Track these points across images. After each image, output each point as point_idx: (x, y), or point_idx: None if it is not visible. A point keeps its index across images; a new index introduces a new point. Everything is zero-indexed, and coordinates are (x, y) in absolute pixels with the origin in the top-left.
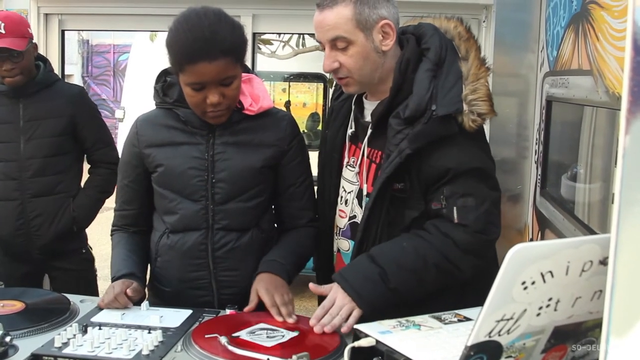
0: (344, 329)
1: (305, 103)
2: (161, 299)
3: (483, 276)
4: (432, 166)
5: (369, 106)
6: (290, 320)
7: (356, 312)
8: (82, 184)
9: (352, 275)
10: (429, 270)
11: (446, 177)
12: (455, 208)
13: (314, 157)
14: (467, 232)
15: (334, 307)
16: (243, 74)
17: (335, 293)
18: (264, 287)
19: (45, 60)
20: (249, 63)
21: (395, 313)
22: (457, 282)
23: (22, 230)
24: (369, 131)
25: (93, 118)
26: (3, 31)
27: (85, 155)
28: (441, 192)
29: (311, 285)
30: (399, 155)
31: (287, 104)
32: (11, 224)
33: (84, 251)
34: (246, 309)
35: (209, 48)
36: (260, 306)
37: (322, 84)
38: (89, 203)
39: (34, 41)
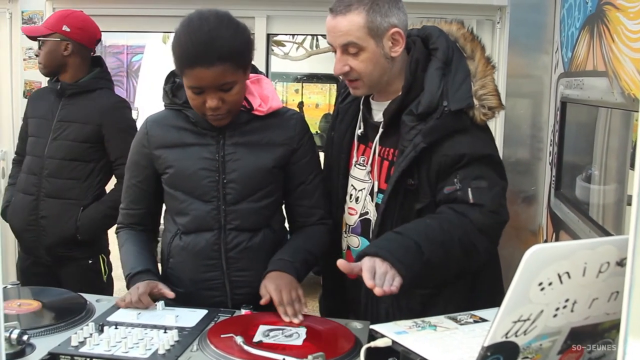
0: (391, 289)
1: (318, 104)
2: (174, 300)
3: (489, 267)
4: (446, 155)
5: (377, 107)
6: (296, 320)
7: (398, 279)
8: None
9: (388, 245)
10: (454, 245)
11: (461, 162)
12: (469, 189)
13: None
14: (483, 212)
15: (377, 274)
16: (252, 75)
17: (372, 262)
18: (272, 285)
19: (102, 66)
20: (262, 64)
21: (410, 305)
22: (472, 266)
23: (32, 226)
24: (380, 130)
25: (121, 133)
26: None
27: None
28: (454, 176)
29: (340, 261)
30: (414, 149)
31: (300, 105)
32: (24, 217)
33: (90, 261)
34: (261, 302)
35: (206, 53)
36: (274, 307)
37: (334, 85)
38: (96, 216)
39: (66, 41)
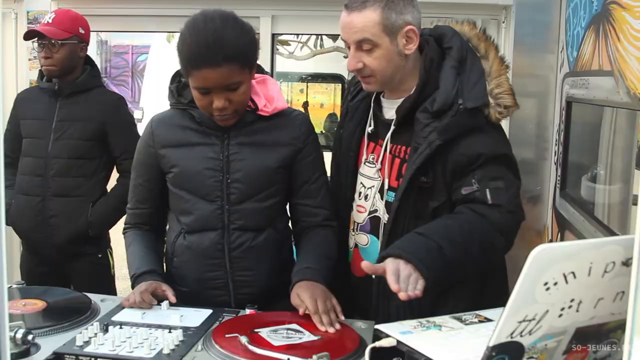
0: (416, 292)
1: (323, 104)
2: (178, 299)
3: (497, 267)
4: (463, 154)
5: (388, 104)
6: (331, 330)
7: (422, 282)
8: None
9: (411, 247)
10: (474, 246)
11: (478, 162)
12: (487, 190)
13: (330, 157)
14: (501, 213)
15: (401, 276)
16: (257, 75)
17: (396, 264)
18: (307, 293)
19: (93, 65)
20: (267, 63)
21: (421, 304)
22: (488, 266)
23: (40, 227)
24: (392, 127)
25: (124, 128)
26: (49, 21)
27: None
28: (472, 177)
29: (365, 263)
30: (428, 146)
31: (305, 104)
32: (31, 219)
33: (99, 256)
34: (300, 312)
35: (212, 54)
36: (278, 307)
37: (339, 84)
38: (106, 211)
39: (83, 43)
